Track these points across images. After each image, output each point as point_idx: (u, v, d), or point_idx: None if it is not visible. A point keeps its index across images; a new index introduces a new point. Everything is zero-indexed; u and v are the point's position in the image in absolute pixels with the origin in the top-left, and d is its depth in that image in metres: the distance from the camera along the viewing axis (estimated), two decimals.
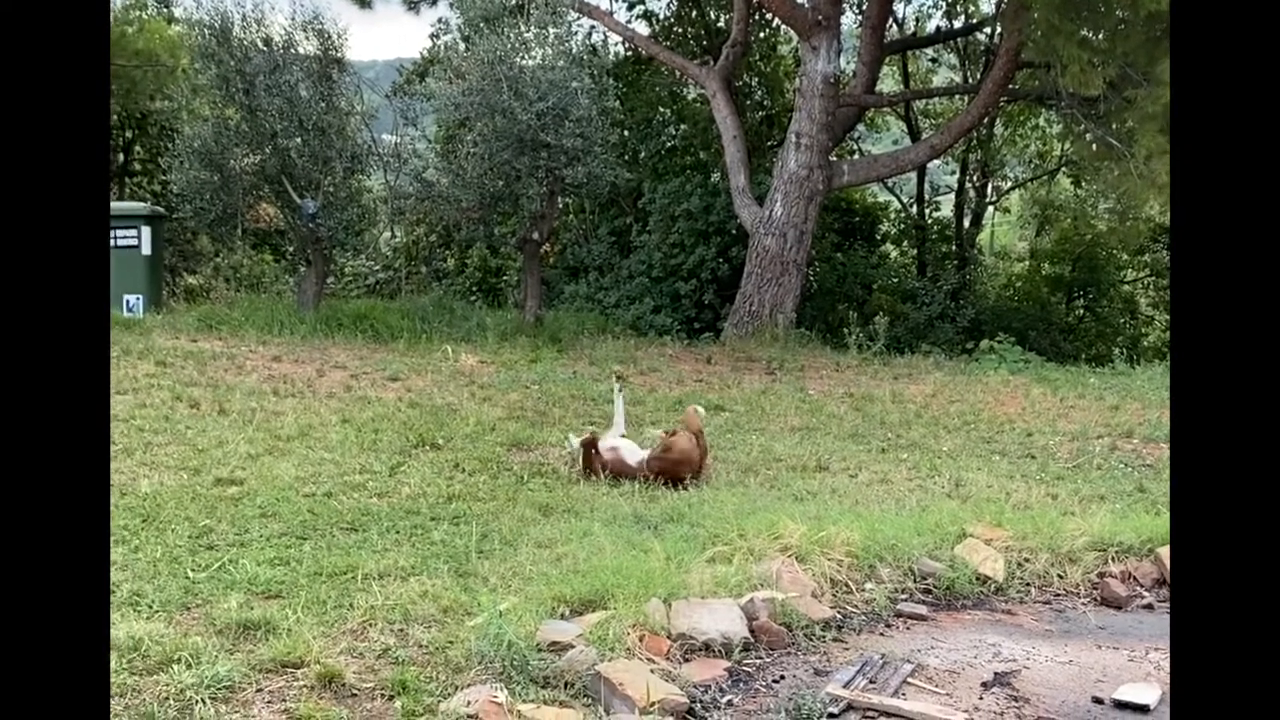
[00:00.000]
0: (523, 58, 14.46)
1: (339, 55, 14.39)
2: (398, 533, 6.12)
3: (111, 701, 3.73)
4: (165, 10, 22.98)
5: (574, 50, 15.10)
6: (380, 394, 10.04)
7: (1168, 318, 23.34)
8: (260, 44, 14.01)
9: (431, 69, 18.05)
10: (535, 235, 15.13)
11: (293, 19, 14.27)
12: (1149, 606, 5.65)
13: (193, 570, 5.25)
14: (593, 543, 5.79)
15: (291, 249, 18.97)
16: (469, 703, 3.81)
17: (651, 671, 4.16)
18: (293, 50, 14.11)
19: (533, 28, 14.69)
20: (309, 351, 12.05)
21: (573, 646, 4.25)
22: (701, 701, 4.15)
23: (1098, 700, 4.37)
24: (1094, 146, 14.65)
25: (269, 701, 3.92)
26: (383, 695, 4.01)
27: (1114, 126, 13.98)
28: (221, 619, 4.56)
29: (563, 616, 4.66)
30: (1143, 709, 4.27)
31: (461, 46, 16.81)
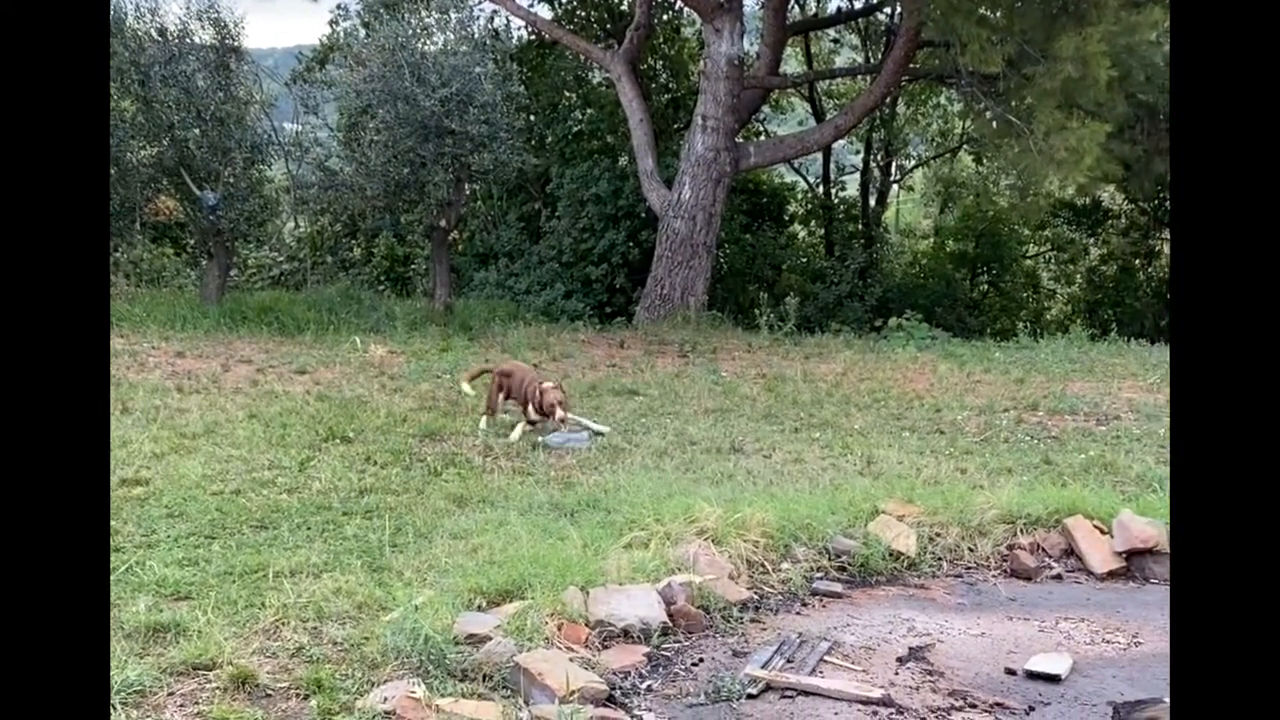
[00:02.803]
0: (424, 43, 14.35)
1: (236, 44, 14.13)
2: (309, 529, 6.03)
3: None
4: None
5: (476, 35, 15.01)
6: (288, 388, 9.89)
7: (1069, 290, 23.87)
8: (155, 34, 13.71)
9: (331, 56, 17.80)
10: (443, 223, 15.01)
11: (188, 8, 13.99)
12: (1058, 577, 5.77)
13: None
14: (509, 532, 5.76)
15: (193, 242, 18.60)
16: (386, 699, 3.76)
17: (570, 660, 4.15)
18: (188, 40, 13.83)
19: (434, 12, 14.57)
20: (213, 346, 11.83)
21: (490, 638, 4.22)
22: (621, 688, 4.15)
23: (1010, 671, 4.46)
24: (994, 124, 14.89)
25: (181, 705, 3.84)
26: (297, 695, 3.95)
27: (1013, 104, 14.23)
28: (130, 622, 4.45)
29: (480, 608, 4.63)
30: (1054, 679, 4.35)
31: (361, 33, 16.61)
